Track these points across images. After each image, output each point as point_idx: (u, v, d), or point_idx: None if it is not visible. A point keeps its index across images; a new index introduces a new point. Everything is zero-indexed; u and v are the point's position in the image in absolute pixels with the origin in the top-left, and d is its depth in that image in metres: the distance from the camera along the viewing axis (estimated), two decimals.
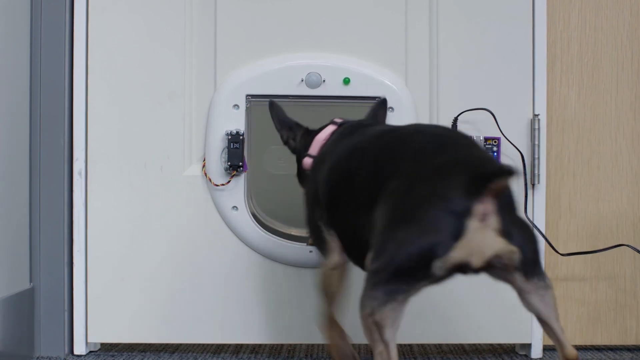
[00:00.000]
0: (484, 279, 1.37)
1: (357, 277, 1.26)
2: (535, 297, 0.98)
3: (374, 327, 0.95)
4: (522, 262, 0.93)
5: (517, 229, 0.92)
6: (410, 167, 0.95)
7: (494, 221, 0.89)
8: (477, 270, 0.93)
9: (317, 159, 1.18)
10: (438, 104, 1.38)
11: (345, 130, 1.18)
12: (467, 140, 1.03)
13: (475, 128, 1.37)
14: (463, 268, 0.91)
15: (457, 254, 0.89)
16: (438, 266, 0.89)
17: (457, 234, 0.88)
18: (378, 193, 0.96)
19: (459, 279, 1.36)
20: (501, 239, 0.90)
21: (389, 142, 1.04)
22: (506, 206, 0.91)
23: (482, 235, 0.89)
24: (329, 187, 1.08)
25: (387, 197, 0.94)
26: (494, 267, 0.93)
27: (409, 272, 0.90)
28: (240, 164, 1.34)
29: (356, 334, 1.38)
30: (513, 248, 0.91)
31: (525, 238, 0.93)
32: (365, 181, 1.01)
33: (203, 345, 1.47)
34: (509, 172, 0.86)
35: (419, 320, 1.37)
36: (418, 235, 0.89)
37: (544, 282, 0.98)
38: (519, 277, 0.95)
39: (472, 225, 0.88)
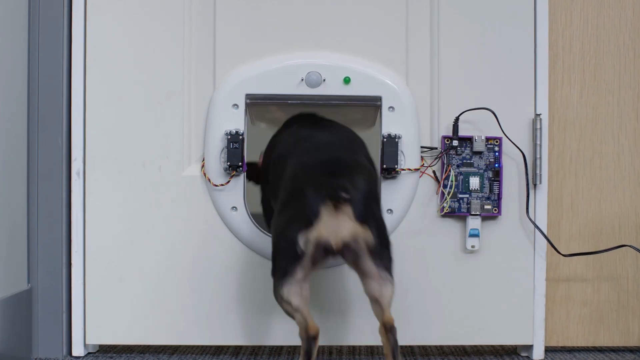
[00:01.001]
0: (484, 280, 1.37)
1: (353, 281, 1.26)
2: (377, 284, 1.14)
3: (284, 303, 1.13)
4: (375, 246, 1.10)
5: (371, 218, 1.10)
6: (293, 163, 1.19)
7: (347, 209, 1.08)
8: (338, 252, 1.09)
9: (270, 143, 1.37)
10: (439, 103, 1.37)
11: (293, 118, 1.38)
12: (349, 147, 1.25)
13: (477, 128, 1.37)
14: (327, 249, 1.08)
15: (314, 234, 1.07)
16: (301, 244, 1.08)
17: (314, 217, 1.08)
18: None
19: (462, 281, 1.36)
20: (355, 222, 1.08)
21: (298, 139, 1.27)
22: (364, 196, 1.10)
23: (337, 219, 1.08)
24: (271, 168, 1.29)
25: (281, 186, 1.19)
26: (351, 250, 1.09)
27: (285, 253, 1.11)
28: (240, 164, 1.34)
29: (356, 334, 1.38)
30: (367, 231, 1.09)
31: (377, 226, 1.11)
32: (280, 165, 1.23)
33: (202, 347, 1.46)
34: (338, 198, 1.07)
35: (420, 322, 1.37)
36: (286, 221, 1.12)
37: (390, 278, 1.15)
38: (369, 262, 1.11)
39: (326, 211, 1.07)
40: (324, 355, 1.41)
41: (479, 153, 1.37)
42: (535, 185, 1.37)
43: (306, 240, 1.08)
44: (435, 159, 1.37)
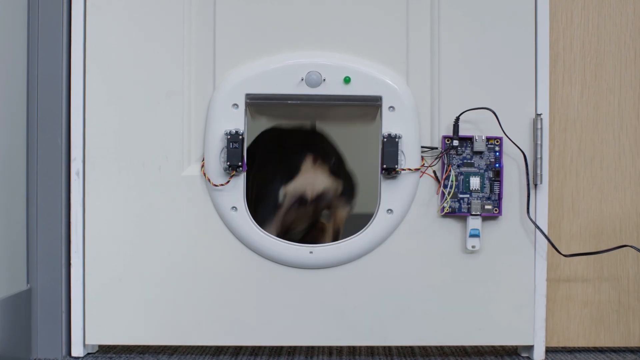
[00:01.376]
0: (484, 280, 1.36)
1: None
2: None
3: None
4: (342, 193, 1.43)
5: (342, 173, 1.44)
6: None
7: (322, 165, 1.40)
8: (312, 202, 1.41)
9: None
10: (439, 103, 1.37)
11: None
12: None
13: (477, 128, 1.36)
14: (301, 199, 1.40)
15: (292, 186, 1.40)
16: (281, 195, 1.40)
17: (294, 173, 1.41)
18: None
19: (462, 281, 1.36)
20: (330, 177, 1.40)
21: None
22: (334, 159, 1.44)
23: (314, 174, 1.40)
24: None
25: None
26: (324, 199, 1.41)
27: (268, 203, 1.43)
28: (240, 163, 1.33)
29: (356, 334, 1.37)
30: (339, 182, 1.42)
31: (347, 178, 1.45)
32: None
33: (202, 347, 1.46)
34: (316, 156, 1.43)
35: (420, 322, 1.37)
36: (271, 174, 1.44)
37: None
38: (341, 204, 1.45)
39: (306, 166, 1.40)
40: (323, 355, 1.41)
41: (480, 153, 1.36)
42: (535, 185, 1.37)
43: (284, 194, 1.35)
44: (436, 159, 1.37)
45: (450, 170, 1.36)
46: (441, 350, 1.45)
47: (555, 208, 1.42)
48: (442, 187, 1.36)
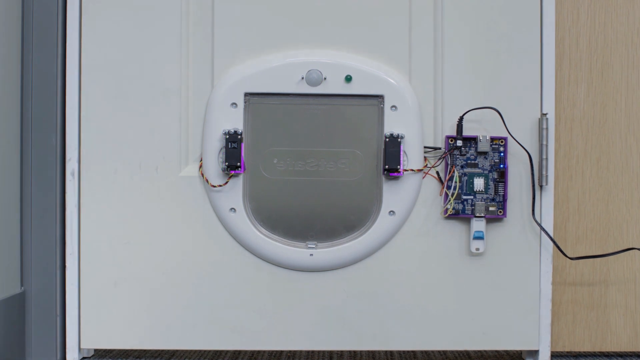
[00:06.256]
0: (488, 283, 1.35)
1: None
2: None
3: None
4: None
5: None
6: None
7: None
8: None
9: None
10: (443, 102, 1.35)
11: None
12: None
13: (482, 127, 1.35)
14: None
15: None
16: None
17: None
18: None
19: (466, 284, 1.34)
20: None
21: None
22: None
23: None
24: None
25: None
26: None
27: None
28: (238, 164, 1.32)
29: (357, 338, 1.36)
30: None
31: None
32: None
33: (200, 351, 1.45)
34: None
35: (423, 326, 1.35)
36: None
37: None
38: None
39: None
40: (324, 359, 1.40)
41: (484, 153, 1.34)
42: (541, 186, 1.35)
43: None
44: (439, 159, 1.35)
45: (453, 171, 1.34)
46: (444, 355, 1.44)
47: (561, 210, 1.40)
48: (445, 188, 1.34)
